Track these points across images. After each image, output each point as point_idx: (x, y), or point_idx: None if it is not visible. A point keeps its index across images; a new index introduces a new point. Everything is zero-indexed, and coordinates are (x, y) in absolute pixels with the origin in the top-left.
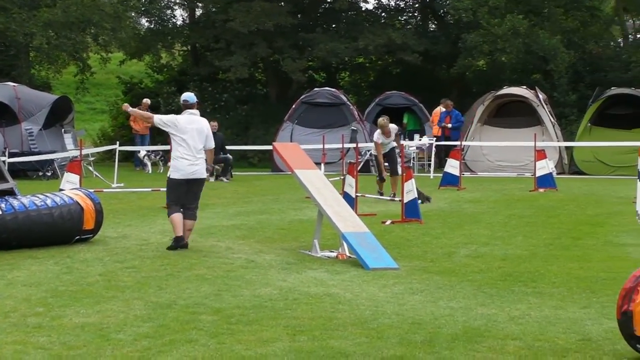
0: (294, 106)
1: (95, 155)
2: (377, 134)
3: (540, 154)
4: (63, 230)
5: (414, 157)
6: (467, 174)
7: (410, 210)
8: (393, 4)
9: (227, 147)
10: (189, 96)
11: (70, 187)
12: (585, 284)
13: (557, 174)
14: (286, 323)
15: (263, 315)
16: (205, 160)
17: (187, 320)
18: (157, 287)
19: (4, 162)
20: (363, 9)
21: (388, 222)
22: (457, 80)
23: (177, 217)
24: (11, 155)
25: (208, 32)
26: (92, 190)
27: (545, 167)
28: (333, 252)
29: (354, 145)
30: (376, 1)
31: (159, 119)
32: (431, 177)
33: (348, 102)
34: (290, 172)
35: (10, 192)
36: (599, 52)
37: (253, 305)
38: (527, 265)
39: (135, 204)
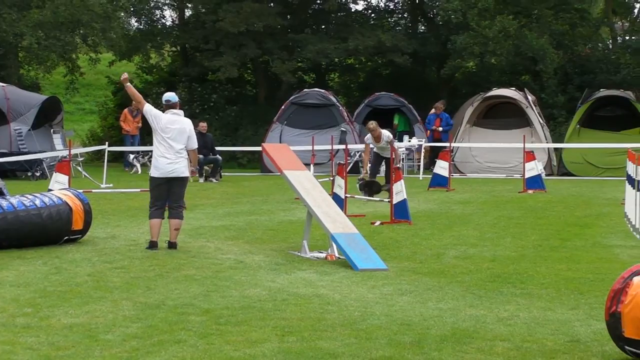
0: (283, 107)
1: (84, 156)
2: (369, 136)
3: (529, 156)
4: (52, 231)
5: (403, 159)
6: (456, 175)
7: (400, 212)
8: (382, 5)
9: (217, 148)
10: (170, 96)
11: (59, 188)
12: (574, 286)
13: (546, 175)
14: (275, 324)
15: (252, 316)
16: (190, 161)
17: (175, 321)
18: (146, 287)
19: None
20: (353, 10)
21: (377, 223)
22: (446, 81)
23: (155, 222)
24: (0, 155)
25: (197, 32)
26: (81, 191)
27: (535, 168)
28: (322, 253)
29: (343, 146)
30: (366, 2)
31: (149, 108)
32: (420, 178)
33: (337, 103)
34: (279, 173)
35: None
36: (588, 53)
37: (242, 306)
38: (515, 267)
39: (124, 205)
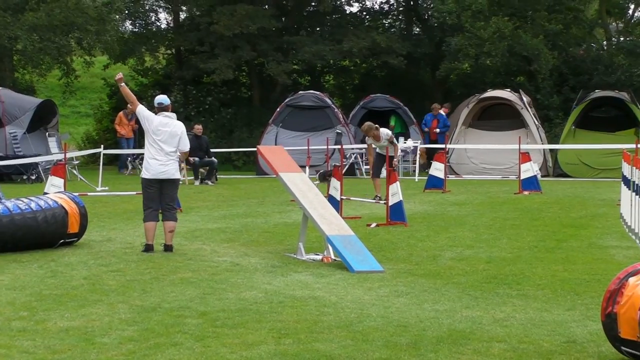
0: (278, 109)
1: (79, 159)
2: (370, 138)
3: (525, 157)
4: (47, 234)
5: (399, 160)
6: (451, 177)
7: (396, 213)
8: (377, 7)
9: (212, 150)
10: (162, 99)
11: (54, 191)
12: (570, 286)
13: (542, 176)
14: (271, 326)
15: (248, 318)
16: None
17: (172, 324)
18: (142, 290)
19: None
20: (347, 12)
21: (373, 225)
22: (441, 83)
23: (150, 225)
24: None
25: (192, 35)
26: (76, 194)
27: (530, 169)
28: (318, 255)
29: (338, 146)
30: (360, 4)
31: (141, 110)
32: (416, 179)
33: (333, 105)
34: (275, 175)
35: None
36: (583, 54)
37: (238, 309)
38: (511, 268)
39: (119, 208)
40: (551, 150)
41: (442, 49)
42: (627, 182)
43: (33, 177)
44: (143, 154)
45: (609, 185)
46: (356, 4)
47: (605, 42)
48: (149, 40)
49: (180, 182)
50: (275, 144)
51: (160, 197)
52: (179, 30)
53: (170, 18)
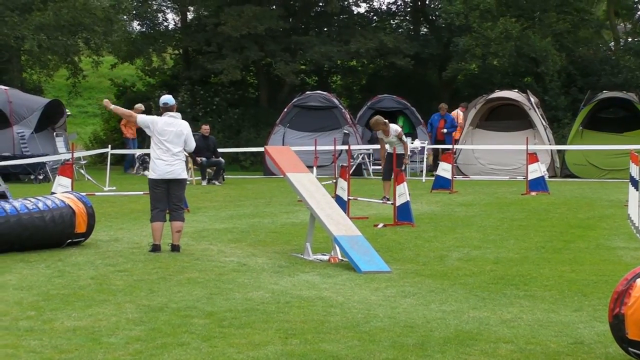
0: (285, 110)
1: (87, 159)
2: (380, 132)
3: (532, 157)
4: (55, 234)
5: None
6: (459, 178)
7: (403, 214)
8: (385, 8)
9: (219, 150)
10: (167, 99)
11: (62, 191)
12: (577, 287)
13: (549, 177)
14: (278, 326)
15: (255, 318)
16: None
17: (179, 324)
18: (149, 290)
19: None
20: (355, 12)
21: (380, 225)
22: (448, 83)
23: (157, 225)
24: (3, 158)
25: (199, 35)
26: (84, 194)
27: (538, 170)
28: (325, 255)
29: (346, 147)
30: (368, 5)
31: (141, 119)
32: (423, 180)
33: (340, 106)
34: (282, 176)
35: (2, 196)
36: (591, 55)
37: (245, 309)
38: (519, 269)
39: (127, 207)
40: (559, 151)
41: (449, 50)
42: (635, 183)
43: (40, 177)
44: (149, 154)
45: (616, 186)
46: (364, 5)
47: (613, 43)
48: (156, 40)
49: (188, 183)
50: (283, 144)
51: (167, 198)
52: (187, 31)
53: (177, 18)
